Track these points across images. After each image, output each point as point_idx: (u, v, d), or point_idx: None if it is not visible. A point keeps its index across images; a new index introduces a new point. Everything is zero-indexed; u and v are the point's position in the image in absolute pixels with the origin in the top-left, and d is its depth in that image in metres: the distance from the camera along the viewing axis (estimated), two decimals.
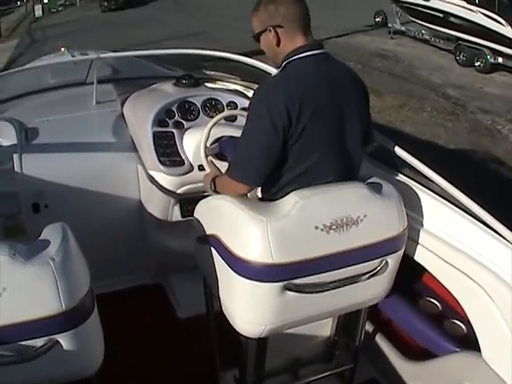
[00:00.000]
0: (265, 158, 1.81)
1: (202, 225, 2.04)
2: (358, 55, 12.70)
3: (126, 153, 2.79)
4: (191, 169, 2.64)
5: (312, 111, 1.80)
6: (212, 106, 2.83)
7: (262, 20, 1.94)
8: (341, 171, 1.91)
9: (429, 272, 2.15)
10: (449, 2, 12.09)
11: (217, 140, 2.52)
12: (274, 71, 2.58)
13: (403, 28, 14.55)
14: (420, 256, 2.15)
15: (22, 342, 1.43)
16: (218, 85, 3.23)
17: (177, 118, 2.76)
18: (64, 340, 1.48)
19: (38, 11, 38.66)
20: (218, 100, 2.86)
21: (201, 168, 2.55)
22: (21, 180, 2.58)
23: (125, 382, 2.32)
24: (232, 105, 2.88)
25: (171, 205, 2.77)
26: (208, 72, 3.46)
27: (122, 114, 2.99)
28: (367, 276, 1.86)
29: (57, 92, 3.38)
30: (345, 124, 1.90)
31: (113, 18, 25.81)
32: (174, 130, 2.71)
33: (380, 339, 2.33)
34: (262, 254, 1.69)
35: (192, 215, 2.17)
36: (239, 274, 1.74)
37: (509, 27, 10.64)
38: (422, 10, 12.95)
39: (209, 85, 3.17)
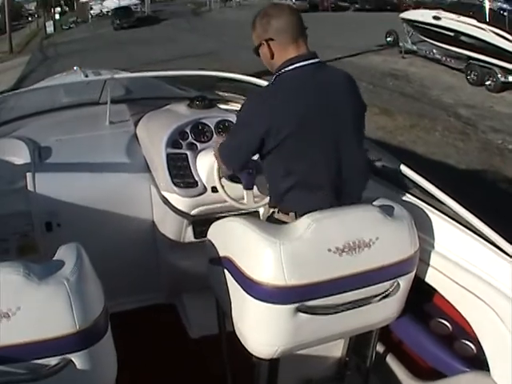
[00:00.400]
0: (243, 153, 2.03)
1: (214, 246, 2.05)
2: (370, 75, 12.77)
3: (139, 173, 2.80)
4: (204, 190, 2.64)
5: (298, 121, 1.86)
6: (225, 128, 2.84)
7: (257, 34, 2.01)
8: (335, 179, 1.94)
9: (439, 293, 2.15)
10: (459, 21, 12.14)
11: None
12: None
13: (414, 47, 14.62)
14: (430, 277, 2.15)
15: (36, 361, 1.43)
16: (231, 106, 3.26)
17: (190, 139, 2.78)
18: (77, 359, 1.48)
19: (50, 28, 38.91)
20: (231, 122, 2.86)
21: (214, 190, 2.56)
22: (34, 199, 2.59)
23: None
24: None
25: (184, 226, 2.78)
26: (221, 93, 3.48)
27: (135, 135, 3.00)
28: (379, 298, 1.86)
29: (70, 111, 3.40)
30: (338, 130, 1.93)
31: (125, 36, 26.09)
32: (188, 152, 2.72)
33: (391, 360, 2.32)
34: (275, 276, 1.69)
35: (205, 236, 2.19)
36: (252, 296, 1.75)
37: None
38: (433, 29, 13.02)
39: (222, 106, 3.18)
